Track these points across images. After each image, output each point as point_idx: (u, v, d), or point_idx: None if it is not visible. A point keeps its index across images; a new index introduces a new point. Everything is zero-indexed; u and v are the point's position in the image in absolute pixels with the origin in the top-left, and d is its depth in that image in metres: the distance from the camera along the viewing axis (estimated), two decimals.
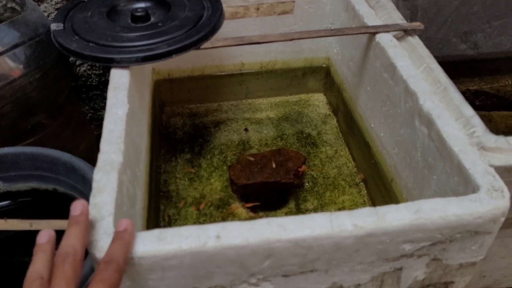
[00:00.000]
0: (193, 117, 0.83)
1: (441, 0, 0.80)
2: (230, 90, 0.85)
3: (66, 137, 0.70)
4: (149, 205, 0.57)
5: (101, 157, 0.43)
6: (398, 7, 0.67)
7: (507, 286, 0.64)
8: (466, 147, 0.44)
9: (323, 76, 0.86)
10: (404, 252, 0.40)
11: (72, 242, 0.32)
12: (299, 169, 0.66)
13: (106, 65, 0.55)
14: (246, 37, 0.62)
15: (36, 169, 0.58)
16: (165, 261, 0.36)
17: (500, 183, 0.40)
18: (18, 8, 0.69)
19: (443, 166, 0.47)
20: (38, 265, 0.31)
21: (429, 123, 0.49)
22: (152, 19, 0.61)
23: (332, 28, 0.79)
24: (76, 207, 0.35)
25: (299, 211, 0.67)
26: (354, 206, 0.67)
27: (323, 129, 0.80)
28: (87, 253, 0.35)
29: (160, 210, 0.66)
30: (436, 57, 0.56)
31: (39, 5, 0.77)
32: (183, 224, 0.59)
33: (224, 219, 0.65)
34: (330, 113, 0.84)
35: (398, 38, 0.61)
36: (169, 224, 0.64)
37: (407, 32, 0.62)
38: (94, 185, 0.40)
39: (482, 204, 0.38)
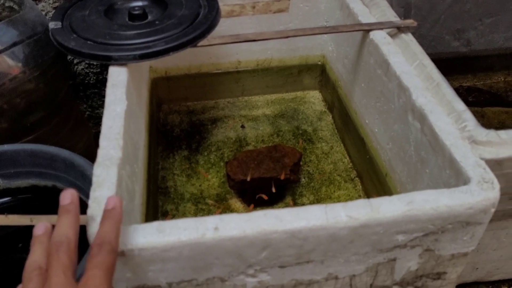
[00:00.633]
0: (190, 115, 0.84)
1: None
2: (226, 88, 0.86)
3: (64, 135, 0.70)
4: (148, 200, 0.58)
5: (101, 153, 0.44)
6: (391, 5, 0.68)
7: (500, 278, 0.66)
8: (458, 141, 0.45)
9: (318, 74, 0.87)
10: (397, 243, 0.41)
11: (64, 230, 0.32)
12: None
13: (104, 63, 0.55)
14: (242, 34, 0.63)
15: (35, 166, 0.58)
16: (164, 252, 0.37)
17: (491, 175, 0.41)
18: (16, 7, 0.70)
19: (435, 159, 0.48)
20: (36, 256, 0.31)
21: (421, 118, 0.50)
22: (149, 17, 0.62)
23: (327, 26, 0.80)
24: (65, 196, 0.34)
25: (295, 206, 0.68)
26: (349, 200, 0.68)
27: (319, 126, 0.81)
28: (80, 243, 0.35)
29: (158, 206, 0.67)
30: (429, 54, 0.57)
31: (37, 4, 0.78)
32: None
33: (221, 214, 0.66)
34: (326, 110, 0.85)
35: (392, 36, 0.62)
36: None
37: (400, 29, 0.63)
38: (94, 179, 0.41)
39: (473, 196, 0.40)
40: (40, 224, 0.34)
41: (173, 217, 0.66)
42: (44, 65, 0.62)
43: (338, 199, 0.69)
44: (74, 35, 0.57)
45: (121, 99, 0.50)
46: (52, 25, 0.58)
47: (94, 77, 0.90)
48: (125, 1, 0.64)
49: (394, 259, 0.43)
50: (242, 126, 0.81)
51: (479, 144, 0.46)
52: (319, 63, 0.86)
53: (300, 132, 0.80)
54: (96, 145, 0.45)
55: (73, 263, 0.31)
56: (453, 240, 0.42)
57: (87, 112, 0.95)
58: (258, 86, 0.87)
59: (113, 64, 0.55)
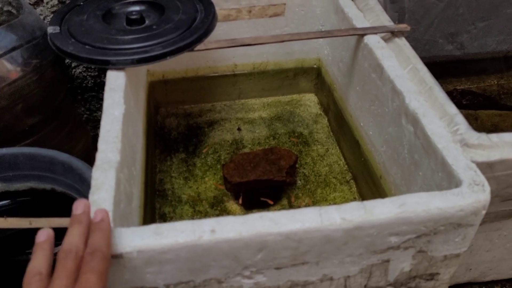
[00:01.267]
0: (187, 118, 0.85)
1: (428, 2, 0.83)
2: (223, 91, 0.87)
3: (63, 138, 0.71)
4: (145, 203, 0.58)
5: (99, 156, 0.45)
6: (386, 9, 0.69)
7: (493, 278, 0.66)
8: (450, 144, 0.46)
9: (314, 77, 0.88)
10: (390, 244, 0.42)
11: (74, 240, 0.33)
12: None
13: (102, 67, 0.56)
14: (238, 39, 0.63)
15: (34, 169, 0.59)
16: (162, 254, 0.37)
17: (481, 178, 0.42)
18: (14, 11, 0.71)
19: (428, 162, 0.49)
20: (37, 262, 0.32)
21: (415, 121, 0.51)
22: (147, 22, 0.63)
23: (323, 30, 0.81)
24: (78, 206, 0.36)
25: (291, 208, 0.68)
26: (345, 202, 0.68)
27: (315, 128, 0.82)
28: None
29: (155, 208, 0.68)
30: (423, 58, 0.58)
31: (35, 8, 0.79)
32: None
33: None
34: (321, 112, 0.86)
35: (386, 40, 0.63)
36: (165, 222, 0.66)
37: (394, 33, 0.64)
38: (93, 182, 0.42)
39: (464, 198, 0.40)
40: (43, 231, 0.34)
41: (171, 219, 0.66)
42: (42, 69, 0.63)
43: (334, 201, 0.69)
44: (72, 40, 0.58)
45: (119, 103, 0.51)
46: (50, 29, 0.59)
47: (92, 81, 0.90)
48: (122, 6, 0.65)
49: (388, 260, 0.44)
50: (239, 129, 0.82)
51: (470, 147, 0.47)
52: (315, 66, 0.87)
53: (296, 134, 0.81)
54: (94, 148, 0.46)
55: (78, 271, 0.32)
56: (445, 241, 0.43)
57: (85, 115, 0.96)
58: (254, 89, 0.88)
59: (111, 69, 0.56)
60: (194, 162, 0.76)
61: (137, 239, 0.37)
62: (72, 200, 0.58)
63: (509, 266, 0.66)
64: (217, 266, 0.40)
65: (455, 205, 0.40)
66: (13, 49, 0.60)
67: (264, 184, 0.66)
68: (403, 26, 0.64)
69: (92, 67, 0.88)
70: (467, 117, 0.50)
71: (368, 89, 0.64)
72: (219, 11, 0.74)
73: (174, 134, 0.81)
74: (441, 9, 0.83)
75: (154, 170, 0.73)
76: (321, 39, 0.83)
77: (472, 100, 0.89)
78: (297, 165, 0.72)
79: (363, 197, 0.69)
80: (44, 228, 0.35)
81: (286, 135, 0.81)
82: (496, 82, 0.94)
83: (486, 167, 0.46)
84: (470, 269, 0.64)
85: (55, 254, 0.33)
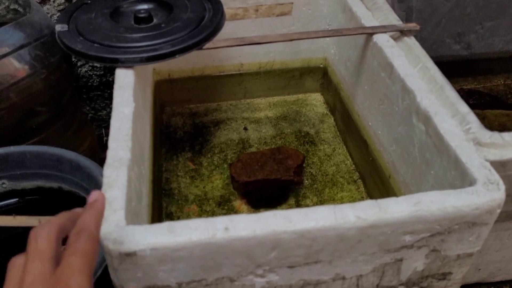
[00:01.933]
0: (193, 117, 0.84)
1: (435, 2, 0.82)
2: (229, 90, 0.86)
3: (69, 137, 0.71)
4: (153, 202, 0.58)
5: (110, 154, 0.44)
6: (393, 8, 0.68)
7: (502, 279, 0.66)
8: (463, 142, 0.46)
9: (320, 76, 0.88)
10: (404, 243, 0.41)
11: (86, 220, 0.31)
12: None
13: (111, 65, 0.56)
14: (247, 37, 0.63)
15: (41, 167, 0.58)
16: (175, 252, 0.37)
17: (496, 176, 0.42)
18: (20, 9, 0.70)
19: (440, 161, 0.48)
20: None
21: (426, 120, 0.51)
22: (155, 20, 0.62)
23: (330, 29, 0.81)
24: (92, 195, 0.34)
25: (299, 207, 0.68)
26: (353, 202, 0.68)
27: (321, 128, 0.82)
28: None
29: (162, 208, 0.67)
30: (431, 58, 0.58)
31: (42, 7, 0.78)
32: None
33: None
34: (328, 112, 0.85)
35: (395, 39, 0.63)
36: (172, 221, 0.65)
37: (403, 32, 0.64)
38: (105, 180, 0.41)
39: (479, 196, 0.40)
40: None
41: (178, 219, 0.66)
42: (50, 68, 0.63)
43: (341, 201, 0.69)
44: (81, 38, 0.58)
45: (129, 101, 0.51)
46: (58, 27, 0.59)
47: (98, 80, 0.90)
48: (130, 5, 0.65)
49: (401, 260, 0.43)
50: (245, 128, 0.82)
51: (483, 146, 0.46)
52: (321, 66, 0.86)
53: (303, 134, 0.80)
54: (99, 147, 0.45)
55: (92, 251, 0.29)
56: (459, 240, 0.43)
57: (90, 114, 0.95)
58: (260, 88, 0.87)
59: (120, 67, 0.55)
60: (200, 161, 0.75)
61: (151, 237, 0.37)
62: (79, 198, 0.58)
63: None
64: (230, 264, 0.39)
65: (470, 204, 0.40)
66: (21, 47, 0.59)
67: (271, 183, 0.66)
68: (412, 25, 0.63)
69: (99, 65, 0.87)
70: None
71: (377, 88, 0.63)
72: (226, 10, 0.73)
73: (180, 133, 0.81)
74: (449, 8, 0.83)
75: (161, 169, 0.73)
76: (328, 39, 0.82)
77: (478, 99, 0.89)
78: (304, 165, 0.72)
79: (371, 196, 0.69)
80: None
81: (292, 135, 0.80)
82: (503, 82, 0.93)
83: (498, 166, 0.45)
84: (480, 269, 0.63)
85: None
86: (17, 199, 0.59)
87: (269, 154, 0.69)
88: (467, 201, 0.40)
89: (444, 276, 0.46)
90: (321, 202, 0.69)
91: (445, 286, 0.48)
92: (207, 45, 0.60)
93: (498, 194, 0.40)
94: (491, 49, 0.90)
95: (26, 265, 0.28)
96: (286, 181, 0.66)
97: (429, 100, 0.52)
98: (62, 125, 0.69)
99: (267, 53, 0.84)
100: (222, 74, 0.84)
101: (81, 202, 0.53)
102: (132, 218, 0.42)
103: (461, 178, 0.44)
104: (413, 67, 0.57)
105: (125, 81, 0.54)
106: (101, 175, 0.43)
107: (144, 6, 0.64)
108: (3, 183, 0.58)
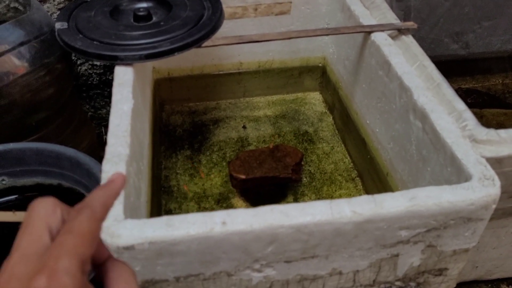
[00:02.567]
0: (193, 115, 0.85)
1: (433, 1, 0.83)
2: (228, 89, 0.87)
3: (68, 135, 0.71)
4: (152, 199, 0.58)
5: (109, 150, 0.45)
6: (391, 7, 0.69)
7: (499, 276, 0.66)
8: (459, 139, 0.46)
9: (319, 75, 0.88)
10: (400, 238, 0.42)
11: (93, 198, 0.27)
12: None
13: (111, 63, 0.56)
14: (245, 36, 0.64)
15: (41, 164, 0.59)
16: (173, 246, 0.37)
17: (491, 172, 0.42)
18: (21, 8, 0.71)
19: (436, 158, 0.49)
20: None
21: (423, 117, 0.51)
22: (154, 18, 0.63)
23: (329, 28, 0.81)
24: (112, 175, 0.30)
25: None
26: None
27: (320, 126, 0.82)
28: None
29: (161, 205, 0.68)
30: (429, 57, 0.58)
31: (42, 5, 0.79)
32: None
33: None
34: (326, 111, 0.86)
35: (393, 37, 0.63)
36: None
37: (401, 31, 0.64)
38: (103, 175, 0.42)
39: (475, 192, 0.41)
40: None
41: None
42: (49, 65, 0.63)
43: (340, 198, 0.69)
44: (80, 36, 0.58)
45: (128, 97, 0.51)
46: (58, 25, 0.59)
47: (97, 78, 0.90)
48: (129, 3, 0.65)
49: (397, 255, 0.44)
50: (244, 127, 0.82)
51: (479, 142, 0.47)
52: (320, 65, 0.87)
53: (301, 133, 0.81)
54: (99, 145, 0.46)
55: (90, 232, 0.25)
56: (455, 236, 0.43)
57: (90, 113, 0.96)
58: (259, 87, 0.88)
59: (119, 64, 0.56)
60: (199, 159, 0.76)
61: (149, 231, 0.37)
62: (79, 195, 0.58)
63: None
64: (227, 258, 0.40)
65: (465, 199, 0.40)
66: (21, 44, 0.60)
67: (270, 181, 0.66)
68: (410, 24, 0.64)
69: (99, 63, 0.88)
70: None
71: (375, 86, 0.64)
72: (225, 8, 0.74)
73: (179, 132, 0.81)
74: (447, 8, 0.83)
75: (160, 166, 0.73)
76: (326, 38, 0.83)
77: (477, 99, 0.89)
78: (302, 163, 0.72)
79: (369, 194, 0.69)
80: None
81: (291, 133, 0.81)
82: (500, 81, 0.94)
83: (494, 163, 0.46)
84: (477, 266, 0.64)
85: None
86: (16, 195, 0.59)
87: (267, 152, 0.69)
88: (462, 197, 0.40)
89: (440, 271, 0.47)
90: (319, 200, 0.69)
91: (441, 281, 0.48)
92: (206, 43, 0.60)
93: (493, 190, 0.41)
94: (489, 48, 0.91)
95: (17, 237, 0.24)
96: (285, 178, 0.66)
97: (426, 97, 0.52)
98: (62, 123, 0.69)
99: (266, 52, 0.84)
100: (221, 72, 0.85)
101: (80, 198, 0.53)
102: (130, 213, 0.42)
103: (457, 174, 0.45)
104: (410, 65, 0.58)
105: (124, 78, 0.54)
106: (101, 171, 0.44)
107: (144, 4, 0.65)
108: (3, 180, 0.59)
